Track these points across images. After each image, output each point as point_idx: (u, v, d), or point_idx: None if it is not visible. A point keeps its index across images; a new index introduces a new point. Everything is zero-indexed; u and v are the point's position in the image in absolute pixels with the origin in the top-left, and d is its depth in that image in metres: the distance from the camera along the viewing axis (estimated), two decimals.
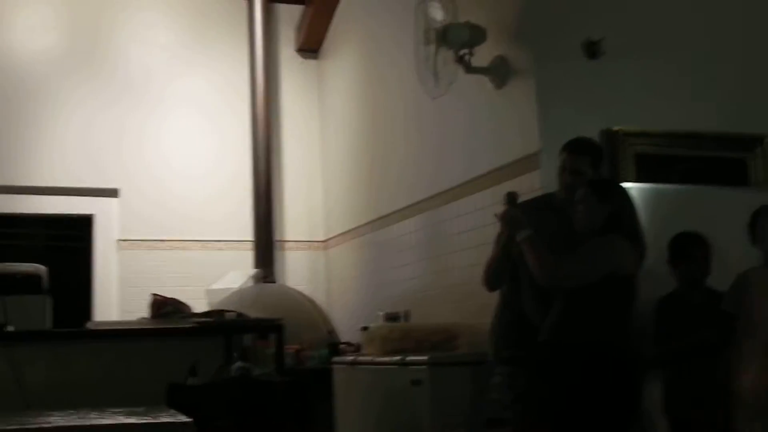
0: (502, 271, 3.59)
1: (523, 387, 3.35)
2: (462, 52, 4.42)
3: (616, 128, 4.17)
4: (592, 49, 4.23)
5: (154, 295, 4.25)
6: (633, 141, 4.23)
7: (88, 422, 2.56)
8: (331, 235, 7.27)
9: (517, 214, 3.41)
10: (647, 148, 4.29)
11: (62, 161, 6.92)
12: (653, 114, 4.31)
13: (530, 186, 4.15)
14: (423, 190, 5.43)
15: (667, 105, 4.34)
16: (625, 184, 3.87)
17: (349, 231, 6.80)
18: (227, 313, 4.14)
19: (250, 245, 7.06)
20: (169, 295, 4.37)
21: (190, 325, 3.92)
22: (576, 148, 3.61)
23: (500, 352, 3.59)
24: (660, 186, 4.18)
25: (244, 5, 7.35)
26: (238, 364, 3.50)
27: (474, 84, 4.63)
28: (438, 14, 4.42)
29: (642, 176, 4.20)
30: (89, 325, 4.17)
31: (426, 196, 5.37)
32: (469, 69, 4.47)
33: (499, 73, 4.46)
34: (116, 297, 6.84)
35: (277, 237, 7.16)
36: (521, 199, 3.59)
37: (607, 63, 4.25)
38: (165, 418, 2.60)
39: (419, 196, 5.48)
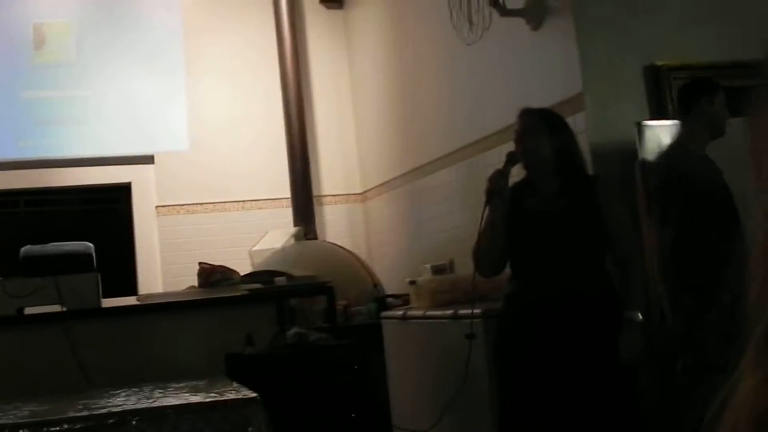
0: None
1: None
2: None
3: (659, 63, 4.05)
4: None
5: (202, 263, 4.24)
6: (677, 75, 4.09)
7: (156, 403, 2.57)
8: (368, 187, 7.22)
9: None
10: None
11: (97, 131, 6.90)
12: (697, 45, 4.17)
13: (575, 128, 4.04)
14: (460, 138, 5.34)
15: (711, 34, 4.19)
16: (671, 121, 3.79)
17: (386, 182, 6.75)
18: (277, 278, 4.11)
19: (288, 202, 7.04)
20: (212, 259, 4.36)
21: (242, 293, 3.91)
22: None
23: None
24: None
25: None
26: (294, 330, 3.49)
27: (509, 27, 4.51)
28: None
29: None
30: (139, 298, 4.18)
31: (464, 144, 5.29)
32: (504, 12, 4.36)
33: (536, 13, 4.34)
34: (159, 263, 6.88)
35: (314, 192, 7.13)
36: None
37: None
38: (231, 395, 2.60)
39: (457, 144, 5.39)
